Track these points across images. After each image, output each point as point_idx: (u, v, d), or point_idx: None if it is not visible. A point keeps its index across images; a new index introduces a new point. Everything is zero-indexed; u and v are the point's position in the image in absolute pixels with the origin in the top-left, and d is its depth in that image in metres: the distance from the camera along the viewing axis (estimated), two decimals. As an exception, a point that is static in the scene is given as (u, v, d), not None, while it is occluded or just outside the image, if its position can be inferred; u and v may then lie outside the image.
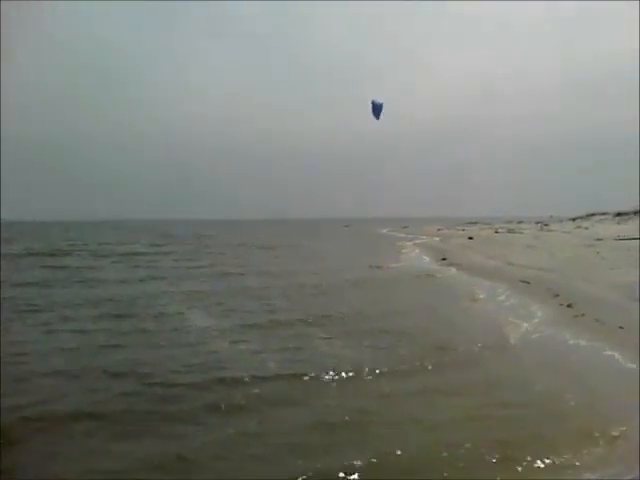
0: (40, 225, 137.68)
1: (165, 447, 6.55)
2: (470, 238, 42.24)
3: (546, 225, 56.45)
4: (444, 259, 29.08)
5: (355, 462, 6.03)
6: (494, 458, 6.12)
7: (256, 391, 8.46)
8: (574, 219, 58.44)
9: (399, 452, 6.30)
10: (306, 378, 9.15)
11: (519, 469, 5.89)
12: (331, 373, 9.28)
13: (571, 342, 10.92)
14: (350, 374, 9.32)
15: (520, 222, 72.08)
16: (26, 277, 23.47)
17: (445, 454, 6.23)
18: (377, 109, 16.11)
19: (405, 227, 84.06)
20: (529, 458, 6.06)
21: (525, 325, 12.89)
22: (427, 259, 31.11)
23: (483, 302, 16.33)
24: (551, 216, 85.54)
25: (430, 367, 9.78)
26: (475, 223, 78.19)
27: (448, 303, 16.59)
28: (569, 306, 13.75)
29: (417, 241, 47.82)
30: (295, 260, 33.36)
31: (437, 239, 47.02)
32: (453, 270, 24.35)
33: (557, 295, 15.32)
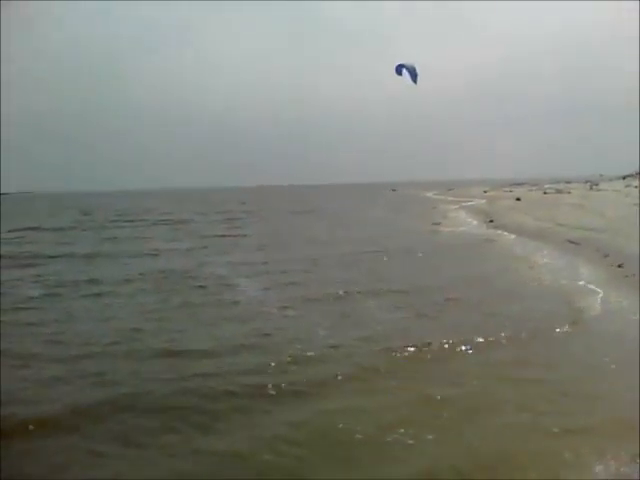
0: (59, 196, 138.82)
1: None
2: (518, 199, 41.87)
3: (596, 184, 55.35)
4: (491, 221, 29.20)
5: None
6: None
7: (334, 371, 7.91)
8: (624, 177, 57.23)
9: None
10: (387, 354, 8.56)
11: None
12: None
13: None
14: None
15: (569, 182, 70.73)
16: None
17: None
18: (411, 73, 15.94)
19: (451, 190, 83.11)
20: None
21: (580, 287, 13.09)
22: (475, 223, 31.09)
23: (537, 267, 16.04)
24: (601, 175, 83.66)
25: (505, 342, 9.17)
26: (522, 184, 77.00)
27: (502, 270, 16.02)
28: (619, 266, 13.99)
29: (464, 204, 47.53)
30: (346, 227, 32.37)
31: (484, 201, 46.69)
32: (503, 234, 24.51)
33: (607, 255, 15.52)
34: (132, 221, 42.26)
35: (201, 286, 14.70)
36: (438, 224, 30.25)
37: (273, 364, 8.15)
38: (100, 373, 8.00)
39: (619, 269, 13.82)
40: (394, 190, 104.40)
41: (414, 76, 16.00)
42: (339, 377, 7.69)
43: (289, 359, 8.37)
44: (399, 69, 16.07)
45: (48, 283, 15.50)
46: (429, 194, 78.87)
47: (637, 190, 39.91)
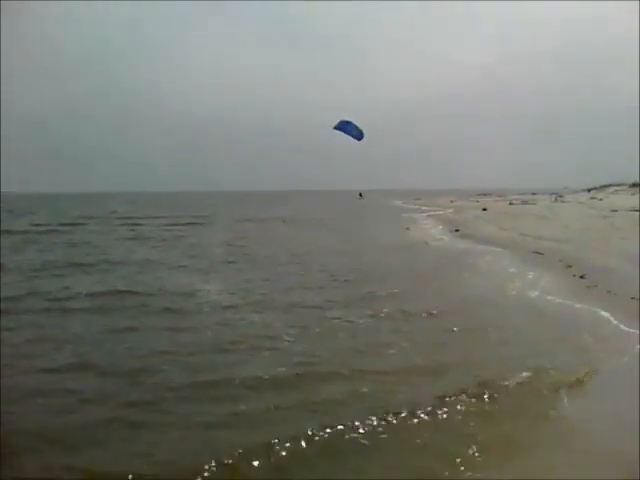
0: (46, 198, 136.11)
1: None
2: (484, 210, 42.11)
3: (560, 196, 56.09)
4: (457, 230, 29.14)
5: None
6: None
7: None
8: (589, 190, 58.05)
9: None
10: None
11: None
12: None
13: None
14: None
15: (534, 193, 71.64)
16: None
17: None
18: (349, 130, 15.35)
19: (418, 199, 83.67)
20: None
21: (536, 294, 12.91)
22: (440, 229, 31.07)
23: (499, 276, 15.90)
24: (566, 187, 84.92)
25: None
26: (489, 194, 77.77)
27: (462, 280, 15.56)
28: (582, 277, 13.86)
29: (432, 213, 47.67)
30: (321, 234, 31.78)
31: (451, 211, 46.91)
32: (466, 241, 24.43)
33: (570, 266, 15.42)
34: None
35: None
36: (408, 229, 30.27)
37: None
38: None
39: (582, 280, 13.69)
40: (361, 197, 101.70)
41: (356, 132, 15.50)
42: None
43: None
44: (343, 127, 15.50)
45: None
46: (398, 202, 79.25)
47: (601, 202, 40.44)
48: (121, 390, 7.33)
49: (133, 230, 35.04)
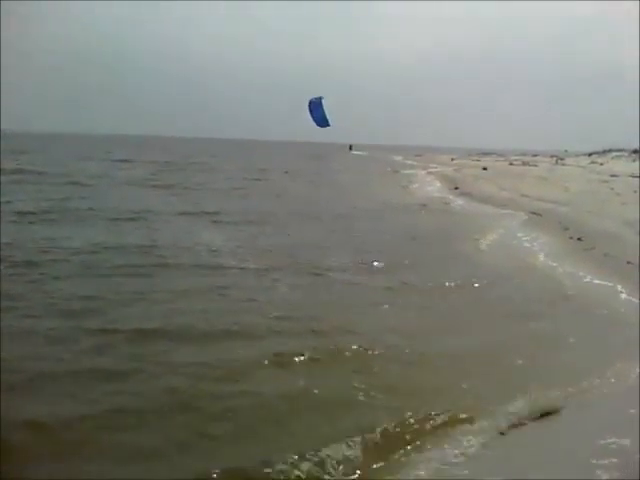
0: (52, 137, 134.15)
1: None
2: (484, 169, 41.83)
3: (561, 159, 55.73)
4: (457, 188, 29.07)
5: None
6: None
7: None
8: (590, 154, 57.67)
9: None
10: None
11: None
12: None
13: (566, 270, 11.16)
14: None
15: (535, 155, 71.13)
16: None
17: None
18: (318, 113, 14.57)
19: (419, 155, 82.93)
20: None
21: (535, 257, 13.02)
22: (439, 187, 31.09)
23: (495, 234, 15.99)
24: (566, 151, 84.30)
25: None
26: (490, 154, 77.23)
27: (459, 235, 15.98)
28: (579, 239, 13.91)
29: (431, 170, 47.39)
30: (327, 190, 29.62)
31: (451, 169, 46.60)
32: (464, 200, 24.45)
33: (567, 228, 15.46)
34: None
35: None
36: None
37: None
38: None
39: (578, 242, 13.75)
40: (351, 150, 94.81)
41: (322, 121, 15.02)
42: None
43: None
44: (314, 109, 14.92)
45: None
46: (397, 158, 78.74)
47: (602, 167, 40.25)
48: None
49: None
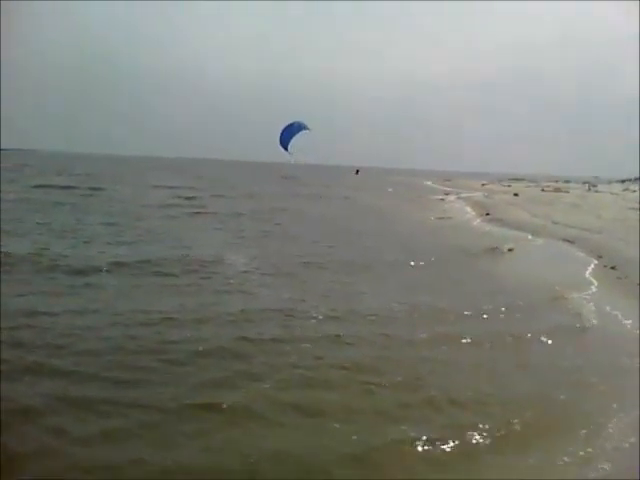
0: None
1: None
2: (516, 195, 41.87)
3: (594, 186, 55.50)
4: (488, 214, 29.15)
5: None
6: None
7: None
8: (623, 181, 57.39)
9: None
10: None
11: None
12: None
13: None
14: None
15: (567, 181, 70.84)
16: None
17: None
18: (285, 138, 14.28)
19: (447, 180, 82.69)
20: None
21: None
22: (472, 214, 31.00)
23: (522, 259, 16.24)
24: (596, 177, 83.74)
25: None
26: (520, 180, 77.00)
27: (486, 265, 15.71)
28: (613, 268, 14.04)
29: (463, 195, 47.25)
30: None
31: (481, 194, 46.57)
32: (496, 225, 24.56)
33: (601, 256, 15.58)
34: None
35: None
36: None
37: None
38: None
39: (612, 271, 13.88)
40: (357, 174, 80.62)
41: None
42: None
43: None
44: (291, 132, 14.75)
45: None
46: (427, 182, 78.57)
47: (635, 195, 40.01)
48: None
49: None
